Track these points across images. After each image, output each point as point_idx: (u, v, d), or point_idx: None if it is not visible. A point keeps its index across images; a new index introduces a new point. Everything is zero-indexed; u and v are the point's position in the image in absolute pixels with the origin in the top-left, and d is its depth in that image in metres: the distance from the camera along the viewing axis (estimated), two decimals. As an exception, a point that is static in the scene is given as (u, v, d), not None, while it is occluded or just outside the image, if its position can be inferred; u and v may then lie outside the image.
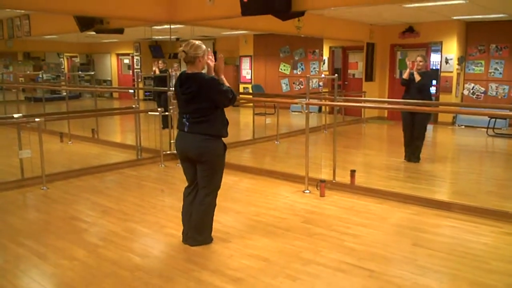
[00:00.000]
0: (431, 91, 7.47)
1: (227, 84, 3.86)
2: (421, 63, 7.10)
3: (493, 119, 10.09)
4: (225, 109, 3.96)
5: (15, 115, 6.38)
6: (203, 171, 3.87)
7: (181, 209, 4.10)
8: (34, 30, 9.70)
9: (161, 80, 10.03)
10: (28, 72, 19.16)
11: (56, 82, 19.83)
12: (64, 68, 21.99)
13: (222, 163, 3.97)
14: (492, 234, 4.31)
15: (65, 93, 12.65)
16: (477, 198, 5.46)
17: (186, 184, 4.08)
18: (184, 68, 3.97)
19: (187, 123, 3.82)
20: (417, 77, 7.00)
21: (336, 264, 3.64)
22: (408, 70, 7.18)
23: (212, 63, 3.88)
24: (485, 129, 10.32)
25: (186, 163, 3.98)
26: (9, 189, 5.82)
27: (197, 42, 3.78)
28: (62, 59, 21.99)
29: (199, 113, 3.77)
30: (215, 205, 4.02)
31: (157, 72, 11.09)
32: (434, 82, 11.26)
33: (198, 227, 3.97)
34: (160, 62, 11.84)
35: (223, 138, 3.93)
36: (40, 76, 16.06)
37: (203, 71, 3.85)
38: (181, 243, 4.04)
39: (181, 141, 3.91)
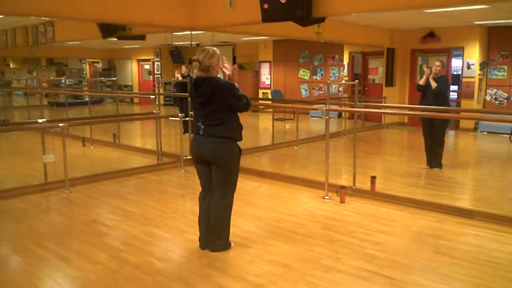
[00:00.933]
0: (449, 97, 7.37)
1: (240, 91, 3.87)
2: (438, 68, 7.05)
3: (517, 125, 9.92)
4: (245, 114, 3.99)
5: (40, 120, 6.53)
6: (218, 174, 3.89)
7: (198, 214, 4.11)
8: (58, 37, 9.89)
9: (183, 85, 10.12)
10: (51, 77, 19.55)
11: (78, 87, 20.20)
12: (86, 74, 22.38)
13: (237, 166, 3.99)
14: (516, 243, 4.24)
15: (87, 98, 12.86)
16: (501, 205, 5.37)
17: None
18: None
19: (202, 126, 3.85)
20: (433, 84, 6.94)
21: (357, 271, 3.62)
22: (425, 77, 7.12)
23: (227, 72, 3.90)
24: (508, 135, 10.15)
25: (201, 166, 3.99)
26: (33, 193, 5.93)
27: (211, 49, 3.79)
28: (84, 65, 22.40)
29: (214, 116, 3.79)
30: (231, 208, 4.04)
31: (180, 78, 11.14)
32: (452, 87, 11.11)
33: (215, 231, 3.98)
34: (183, 67, 11.92)
35: (238, 142, 3.94)
36: (63, 81, 16.38)
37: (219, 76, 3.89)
38: (200, 248, 4.06)
39: (196, 144, 3.94)
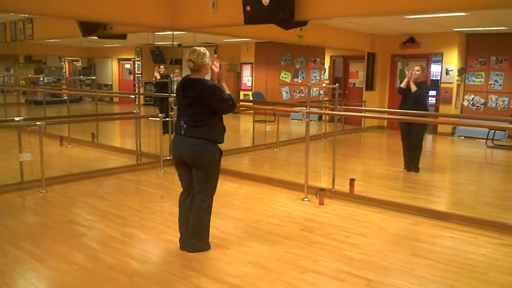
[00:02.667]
0: (428, 102, 7.47)
1: (228, 91, 3.89)
2: (418, 73, 7.13)
3: (493, 131, 10.12)
4: (226, 115, 3.98)
5: (16, 118, 6.42)
6: (198, 176, 3.88)
7: (178, 216, 4.10)
8: (37, 34, 9.73)
9: (163, 85, 10.06)
10: (29, 75, 19.19)
11: (57, 85, 19.86)
12: (65, 72, 22.03)
13: (218, 169, 3.98)
14: (491, 246, 4.32)
15: (66, 97, 12.69)
16: (476, 209, 5.47)
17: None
18: (185, 73, 4.00)
19: (185, 126, 3.83)
20: (413, 87, 7.02)
21: (335, 272, 3.64)
22: (406, 79, 7.20)
23: (216, 69, 3.91)
24: (485, 140, 10.34)
25: (181, 167, 3.98)
26: (9, 192, 5.82)
27: (201, 49, 3.83)
28: (63, 63, 22.04)
29: (197, 118, 3.78)
30: (211, 210, 4.02)
31: (158, 77, 11.11)
32: (431, 93, 11.26)
33: (195, 233, 3.97)
34: (161, 67, 11.87)
35: (219, 145, 3.94)
36: (41, 79, 16.08)
37: (207, 77, 3.88)
38: (180, 249, 4.03)
39: (177, 145, 3.92)
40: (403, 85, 7.23)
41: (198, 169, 3.86)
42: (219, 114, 3.88)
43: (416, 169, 7.28)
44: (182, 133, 3.86)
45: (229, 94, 3.87)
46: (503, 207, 5.69)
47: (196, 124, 3.79)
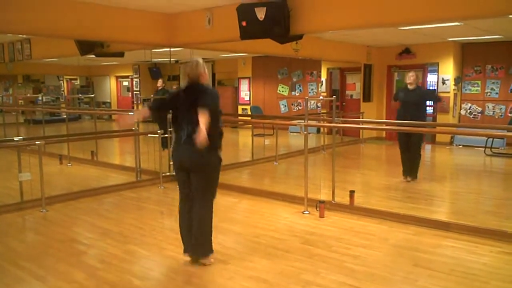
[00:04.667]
0: (426, 110, 7.53)
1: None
2: (412, 78, 7.20)
3: (491, 139, 10.14)
4: (225, 130, 4.01)
5: (16, 138, 6.43)
6: (198, 181, 3.93)
7: (179, 225, 4.11)
8: (35, 54, 9.80)
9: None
10: (28, 94, 19.27)
11: (55, 104, 19.94)
12: (63, 91, 22.12)
13: (217, 175, 4.04)
14: (492, 254, 4.32)
15: (64, 115, 12.73)
16: (476, 218, 5.46)
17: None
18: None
19: (185, 135, 3.88)
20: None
21: (336, 285, 3.63)
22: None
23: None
24: (483, 149, 10.36)
25: (182, 175, 4.02)
26: (9, 212, 5.81)
27: (194, 61, 3.95)
28: (61, 82, 22.14)
29: (194, 124, 3.75)
30: (211, 215, 4.06)
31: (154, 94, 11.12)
32: (428, 102, 11.27)
33: (202, 238, 4.00)
34: (159, 81, 11.91)
35: (219, 152, 3.99)
36: (40, 98, 16.14)
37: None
38: (181, 265, 4.03)
39: (177, 152, 4.00)
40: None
41: (198, 175, 3.91)
42: (216, 118, 3.87)
43: (415, 177, 7.29)
44: (181, 142, 3.91)
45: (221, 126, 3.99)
46: (503, 216, 5.70)
47: (194, 133, 3.76)
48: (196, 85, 3.93)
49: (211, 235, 4.08)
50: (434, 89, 11.87)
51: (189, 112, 3.85)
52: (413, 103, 7.10)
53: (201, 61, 3.98)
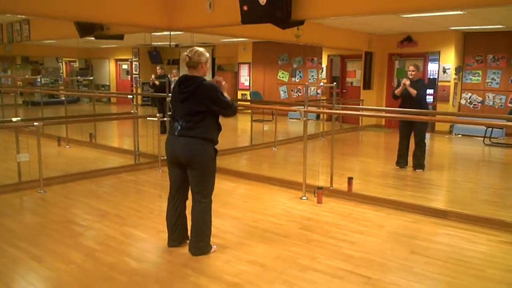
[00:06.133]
0: (427, 100, 7.50)
1: (228, 97, 3.88)
2: (413, 73, 7.14)
3: (490, 129, 10.14)
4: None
5: (14, 119, 6.41)
6: (194, 176, 3.84)
7: (166, 215, 4.08)
8: (34, 35, 9.72)
9: (162, 85, 10.08)
10: (27, 76, 19.19)
11: (54, 86, 19.87)
12: (62, 73, 22.04)
13: (214, 167, 3.92)
14: (489, 243, 4.33)
15: (63, 98, 12.68)
16: (474, 206, 5.48)
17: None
18: (183, 73, 3.99)
19: (179, 127, 3.80)
20: (413, 92, 7.02)
21: (333, 270, 3.65)
22: (401, 87, 7.18)
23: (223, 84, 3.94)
24: (482, 138, 10.36)
25: (174, 168, 3.94)
26: (7, 193, 5.82)
27: (201, 49, 3.83)
28: (60, 64, 22.05)
29: (192, 115, 3.74)
30: (210, 210, 3.97)
31: (156, 83, 11.01)
32: (429, 91, 11.20)
33: (199, 234, 3.93)
34: (158, 67, 11.84)
35: (214, 145, 3.91)
36: (39, 80, 16.08)
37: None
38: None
39: (171, 145, 3.89)
40: (397, 92, 7.24)
41: (193, 169, 3.81)
42: (216, 114, 3.85)
43: (422, 167, 7.26)
44: (175, 134, 3.83)
45: (229, 100, 3.87)
46: (501, 205, 5.71)
47: (190, 123, 3.75)
48: (191, 78, 3.80)
49: (210, 232, 3.99)
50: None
51: (183, 105, 3.78)
52: (415, 97, 7.03)
53: (207, 54, 3.85)
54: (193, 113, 3.74)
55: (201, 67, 3.80)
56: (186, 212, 4.03)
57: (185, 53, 3.80)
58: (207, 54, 3.86)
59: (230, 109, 3.84)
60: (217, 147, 3.93)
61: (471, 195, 6.27)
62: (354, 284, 3.43)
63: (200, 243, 3.93)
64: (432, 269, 3.70)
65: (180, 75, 4.04)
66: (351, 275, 3.57)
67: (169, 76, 11.37)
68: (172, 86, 10.55)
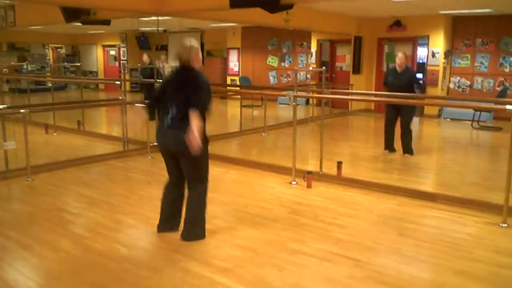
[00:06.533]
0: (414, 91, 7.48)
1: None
2: (402, 60, 7.06)
3: (478, 112, 10.20)
4: (214, 100, 3.93)
5: (0, 106, 6.32)
6: (187, 165, 3.84)
7: (162, 198, 4.08)
8: (19, 21, 9.57)
9: (150, 72, 9.99)
10: (13, 63, 18.92)
11: (41, 73, 19.62)
12: (49, 59, 21.76)
13: (206, 154, 3.91)
14: (476, 225, 4.38)
15: (50, 84, 12.53)
16: (462, 189, 5.53)
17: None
18: (171, 59, 3.95)
19: (169, 119, 3.79)
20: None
21: (323, 254, 3.67)
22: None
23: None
24: (470, 122, 10.43)
25: (168, 159, 3.95)
26: (-6, 181, 5.76)
27: (188, 43, 3.79)
28: (47, 50, 21.76)
29: (182, 106, 3.71)
30: (205, 198, 3.98)
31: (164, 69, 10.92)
32: (418, 75, 11.20)
33: (192, 221, 3.93)
34: (144, 55, 11.72)
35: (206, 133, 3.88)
36: (25, 67, 15.87)
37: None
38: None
39: (161, 137, 3.89)
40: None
41: (186, 159, 3.80)
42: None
43: (411, 151, 7.25)
44: (164, 127, 3.82)
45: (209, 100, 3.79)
46: (488, 187, 5.76)
47: (180, 116, 3.72)
48: (187, 69, 3.78)
49: (204, 221, 4.00)
50: (420, 78, 11.67)
51: (176, 94, 3.76)
52: (402, 86, 7.00)
53: (195, 44, 3.82)
54: (183, 102, 3.71)
55: (192, 61, 3.78)
56: (183, 199, 4.04)
57: (176, 52, 3.81)
58: (195, 46, 3.81)
59: (200, 106, 3.67)
60: (207, 133, 3.89)
61: (459, 178, 6.33)
62: (343, 266, 3.46)
63: (194, 229, 3.94)
64: (420, 251, 3.74)
65: (167, 62, 4.00)
66: (341, 258, 3.60)
67: (157, 62, 11.27)
68: (161, 71, 10.47)
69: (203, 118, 3.81)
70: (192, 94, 3.69)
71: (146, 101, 7.28)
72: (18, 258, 3.63)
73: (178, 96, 3.75)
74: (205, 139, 3.86)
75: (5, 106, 6.59)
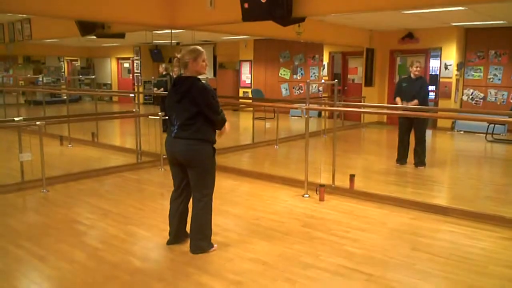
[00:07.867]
0: (428, 97, 7.50)
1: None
2: (419, 69, 7.16)
3: (492, 125, 10.12)
4: (226, 113, 3.98)
5: (16, 118, 6.44)
6: (193, 175, 3.87)
7: (168, 212, 4.11)
8: (35, 34, 9.74)
9: (164, 84, 10.14)
10: (28, 75, 19.22)
11: (56, 85, 19.90)
12: (64, 72, 22.07)
13: (213, 166, 3.93)
14: (490, 239, 4.34)
15: (65, 97, 12.69)
16: (475, 203, 5.48)
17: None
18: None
19: (175, 129, 3.83)
20: (415, 102, 7.07)
21: (335, 268, 3.66)
22: (401, 103, 7.23)
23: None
24: (484, 135, 10.35)
25: (175, 167, 3.98)
26: (9, 192, 5.84)
27: (191, 47, 3.83)
28: (62, 63, 22.08)
29: (186, 116, 3.75)
30: (210, 209, 3.98)
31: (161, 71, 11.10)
32: (430, 87, 11.12)
33: (196, 232, 3.94)
34: (161, 66, 11.85)
35: (211, 144, 3.91)
36: (40, 79, 16.10)
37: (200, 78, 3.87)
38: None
39: (169, 146, 3.93)
40: (397, 101, 7.29)
41: (193, 169, 3.83)
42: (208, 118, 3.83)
43: (423, 164, 7.25)
44: (172, 136, 3.86)
45: (221, 115, 3.89)
46: (502, 201, 5.71)
47: (185, 124, 3.76)
48: (184, 79, 3.80)
49: (210, 231, 4.00)
50: (430, 90, 11.60)
51: (178, 105, 3.79)
52: (415, 93, 7.05)
53: (199, 49, 3.82)
54: (187, 113, 3.76)
55: (190, 65, 3.78)
56: (189, 211, 4.05)
57: (178, 55, 3.84)
58: (198, 50, 3.81)
59: (217, 115, 3.82)
60: (218, 145, 3.94)
61: (472, 192, 6.27)
62: (356, 281, 3.44)
63: (200, 242, 3.95)
64: (434, 266, 3.71)
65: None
66: (353, 272, 3.59)
67: (171, 74, 11.37)
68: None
69: (213, 127, 3.88)
70: (204, 107, 3.74)
71: (159, 113, 7.41)
72: (33, 269, 3.67)
73: (180, 108, 3.79)
74: (212, 150, 3.89)
75: (21, 118, 6.70)
